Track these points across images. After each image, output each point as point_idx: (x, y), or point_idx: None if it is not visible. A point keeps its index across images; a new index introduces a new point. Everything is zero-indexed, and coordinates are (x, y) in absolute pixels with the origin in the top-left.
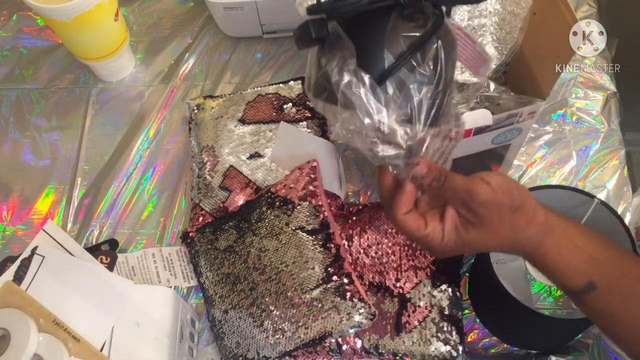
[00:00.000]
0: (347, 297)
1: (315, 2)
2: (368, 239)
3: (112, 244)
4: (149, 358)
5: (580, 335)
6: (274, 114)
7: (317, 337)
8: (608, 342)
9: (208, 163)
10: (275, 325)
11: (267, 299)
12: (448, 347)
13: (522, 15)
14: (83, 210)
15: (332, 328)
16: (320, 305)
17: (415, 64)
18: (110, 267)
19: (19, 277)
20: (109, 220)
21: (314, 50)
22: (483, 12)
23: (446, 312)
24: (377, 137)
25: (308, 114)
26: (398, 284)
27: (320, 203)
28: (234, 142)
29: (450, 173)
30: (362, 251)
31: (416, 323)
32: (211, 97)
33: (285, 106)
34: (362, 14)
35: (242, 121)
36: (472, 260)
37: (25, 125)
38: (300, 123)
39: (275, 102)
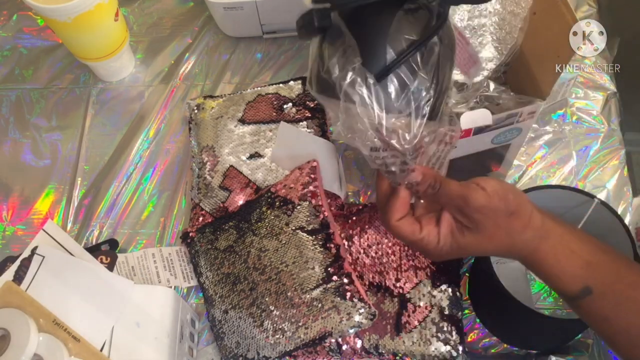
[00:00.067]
0: (347, 297)
1: None
2: (368, 239)
3: (112, 244)
4: (149, 358)
5: (580, 335)
6: (274, 114)
7: (317, 337)
8: None
9: (208, 163)
10: (275, 325)
11: (267, 299)
12: (448, 347)
13: (522, 15)
14: (83, 210)
15: (332, 328)
16: (320, 305)
17: (416, 63)
18: (110, 267)
19: (19, 277)
20: (109, 220)
21: (315, 44)
22: (483, 12)
23: (446, 312)
24: (376, 137)
25: (308, 114)
26: (398, 284)
27: (320, 203)
28: (234, 142)
29: (445, 179)
30: (362, 251)
31: (416, 323)
32: (211, 97)
33: (285, 106)
34: (366, 7)
35: (242, 121)
36: (472, 260)
37: (25, 125)
38: (300, 123)
39: (275, 102)
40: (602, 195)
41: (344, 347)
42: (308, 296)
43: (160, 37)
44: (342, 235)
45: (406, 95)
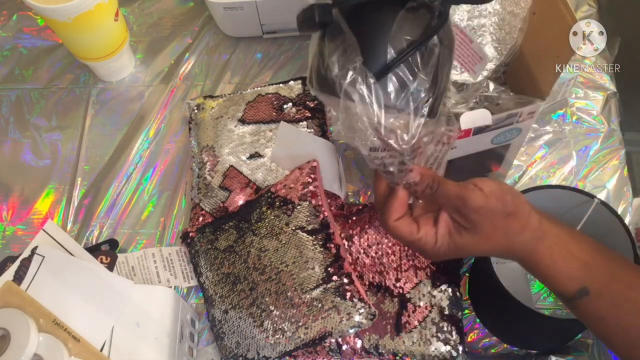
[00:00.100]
0: (347, 297)
1: None
2: (368, 239)
3: (112, 244)
4: (149, 358)
5: (580, 335)
6: (274, 114)
7: (317, 337)
8: None
9: (208, 163)
10: (275, 325)
11: (267, 299)
12: (448, 347)
13: (521, 16)
14: (83, 210)
15: (332, 328)
16: (320, 305)
17: (416, 63)
18: (110, 267)
19: (19, 277)
20: (109, 220)
21: (315, 40)
22: (483, 12)
23: (446, 312)
24: (375, 136)
25: (308, 114)
26: (398, 284)
27: (320, 203)
28: (234, 142)
29: (443, 180)
30: (362, 251)
31: (416, 323)
32: (211, 97)
33: (285, 106)
34: (367, 4)
35: (242, 121)
36: (472, 261)
37: (25, 125)
38: (300, 123)
39: (275, 102)
40: (602, 195)
41: (344, 347)
42: (308, 296)
43: (160, 37)
44: (342, 235)
45: (405, 95)
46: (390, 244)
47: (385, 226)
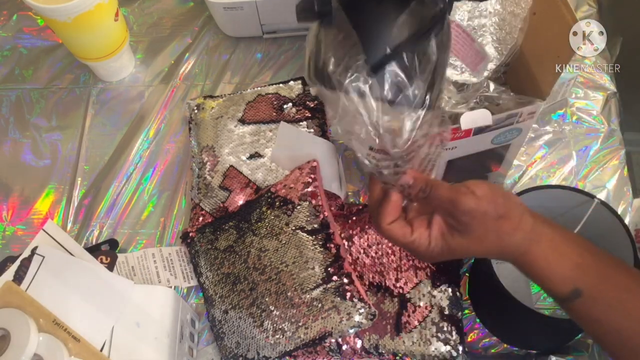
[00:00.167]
0: (347, 297)
1: None
2: (368, 239)
3: (112, 244)
4: (149, 358)
5: (580, 335)
6: (274, 114)
7: (317, 337)
8: None
9: (208, 163)
10: (275, 325)
11: (267, 299)
12: (448, 347)
13: (522, 16)
14: (83, 210)
15: (332, 328)
16: (320, 305)
17: (413, 65)
18: (110, 267)
19: (19, 277)
20: (109, 220)
21: (313, 31)
22: (483, 12)
23: (446, 312)
24: (374, 134)
25: (308, 114)
26: (398, 284)
27: (320, 203)
28: (234, 142)
29: (436, 183)
30: (362, 251)
31: (416, 323)
32: (211, 97)
33: (285, 106)
34: None
35: (242, 121)
36: (472, 261)
37: (25, 125)
38: (300, 123)
39: (275, 102)
40: (602, 195)
41: (344, 347)
42: (308, 296)
43: (160, 37)
44: (342, 235)
45: (401, 97)
46: (390, 244)
47: (379, 229)
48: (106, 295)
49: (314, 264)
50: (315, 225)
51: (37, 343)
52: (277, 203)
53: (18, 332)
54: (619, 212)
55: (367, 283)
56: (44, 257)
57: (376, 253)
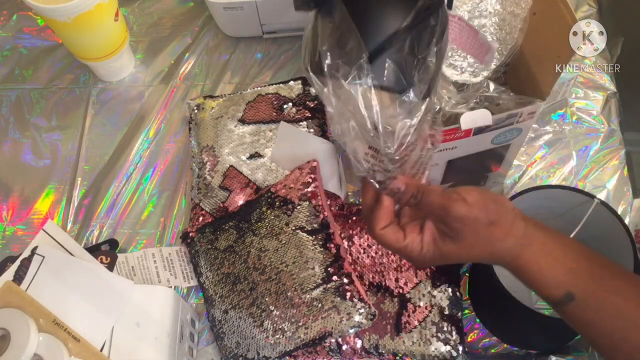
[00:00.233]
0: (347, 297)
1: None
2: (368, 239)
3: (112, 244)
4: (149, 358)
5: (580, 335)
6: (274, 114)
7: (317, 337)
8: None
9: (208, 163)
10: (275, 325)
11: (267, 299)
12: (448, 347)
13: (522, 16)
14: (83, 210)
15: (332, 328)
16: (320, 305)
17: (411, 66)
18: (110, 267)
19: (19, 277)
20: (109, 220)
21: (310, 23)
22: (483, 12)
23: (446, 312)
24: (372, 133)
25: (308, 114)
26: (398, 284)
27: (320, 203)
28: (234, 142)
29: (427, 189)
30: (362, 251)
31: (416, 323)
32: (211, 97)
33: (285, 106)
34: None
35: (242, 121)
36: None
37: (25, 125)
38: (300, 123)
39: (275, 102)
40: (602, 195)
41: (344, 347)
42: (308, 296)
43: (160, 37)
44: (342, 235)
45: (399, 99)
46: None
47: (372, 234)
48: (106, 295)
49: (314, 264)
50: (315, 225)
51: (37, 343)
52: (277, 203)
53: (18, 332)
54: (619, 212)
55: (367, 283)
56: (44, 257)
57: (376, 253)
